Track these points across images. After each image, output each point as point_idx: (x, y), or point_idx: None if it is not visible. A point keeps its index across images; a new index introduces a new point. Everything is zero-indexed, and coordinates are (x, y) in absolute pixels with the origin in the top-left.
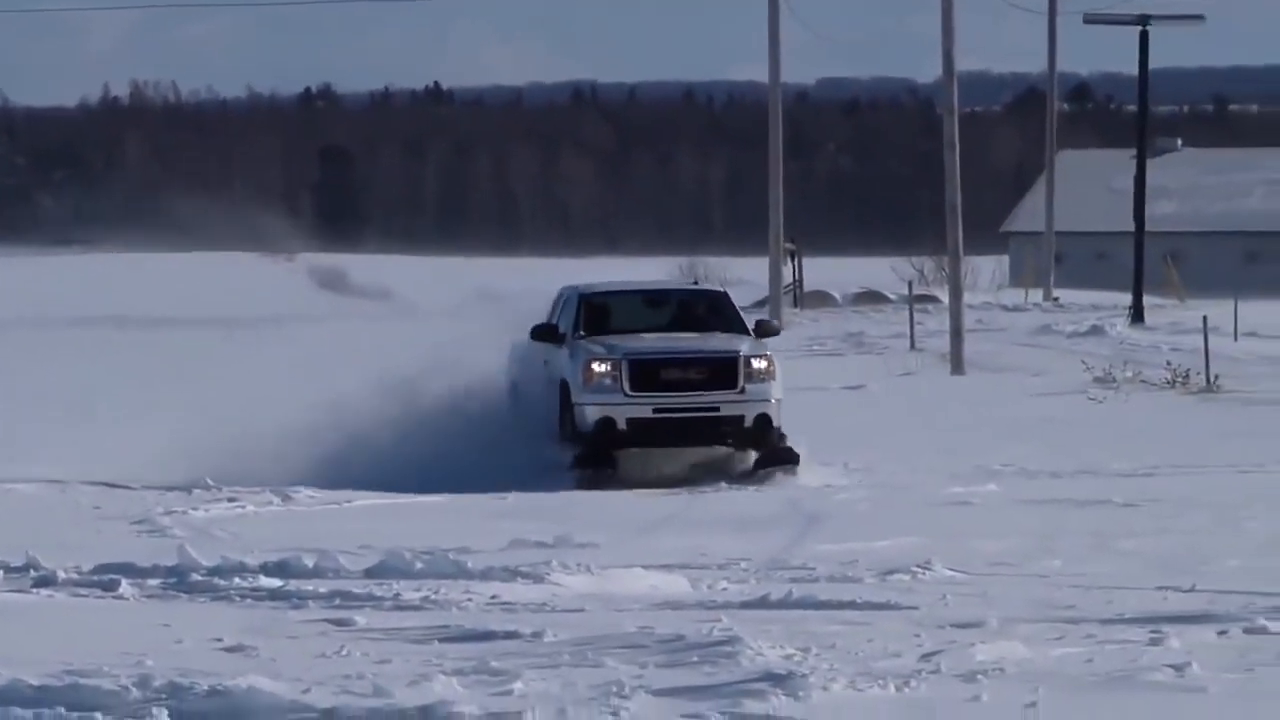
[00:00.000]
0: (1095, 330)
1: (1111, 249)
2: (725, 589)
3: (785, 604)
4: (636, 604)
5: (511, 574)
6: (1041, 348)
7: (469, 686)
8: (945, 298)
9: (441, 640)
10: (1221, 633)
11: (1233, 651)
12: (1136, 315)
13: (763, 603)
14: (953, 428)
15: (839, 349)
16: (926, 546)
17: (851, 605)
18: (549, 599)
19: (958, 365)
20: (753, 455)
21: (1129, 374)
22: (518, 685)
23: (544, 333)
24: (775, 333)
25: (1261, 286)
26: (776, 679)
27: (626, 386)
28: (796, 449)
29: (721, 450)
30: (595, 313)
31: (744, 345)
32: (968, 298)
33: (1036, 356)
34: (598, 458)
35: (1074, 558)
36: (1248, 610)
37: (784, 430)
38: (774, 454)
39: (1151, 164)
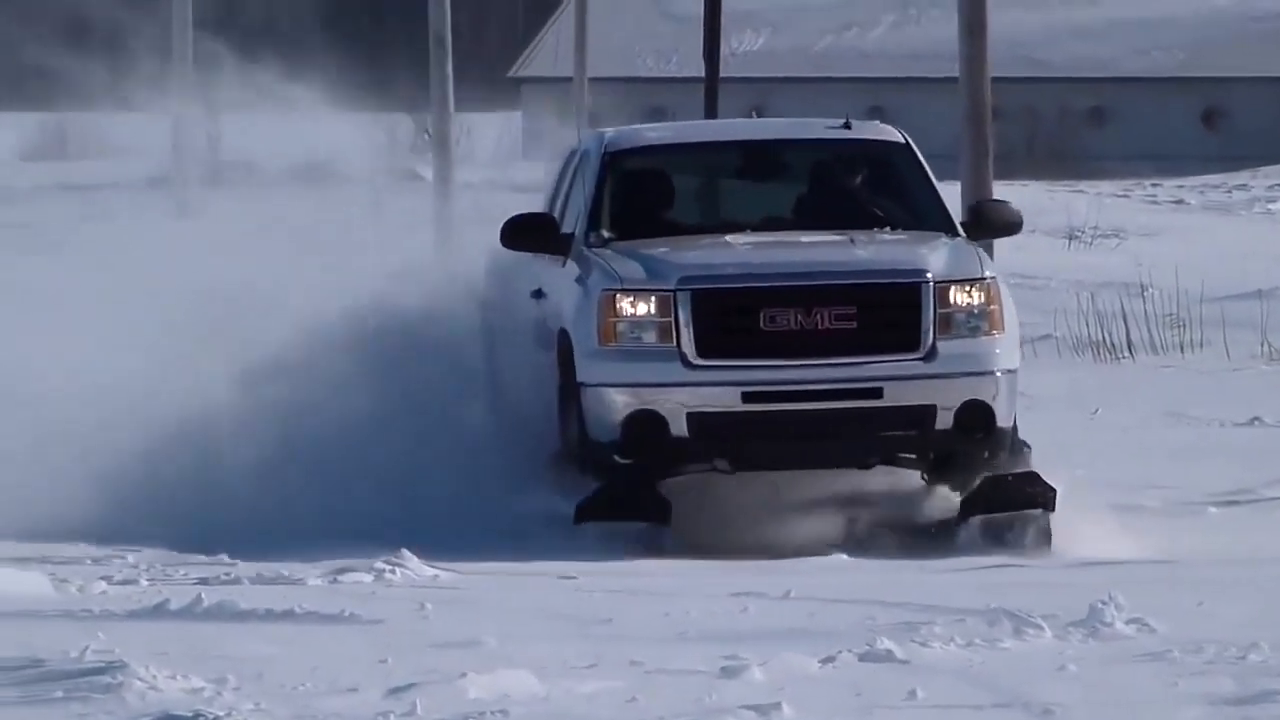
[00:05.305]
0: None
1: (672, 101)
2: (104, 592)
3: (191, 614)
4: None
5: None
6: None
7: None
8: (429, 173)
9: None
10: (826, 660)
11: (842, 687)
12: None
13: (159, 612)
14: None
15: (266, 244)
16: (399, 530)
17: (289, 617)
18: None
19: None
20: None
21: None
22: None
23: (529, 233)
24: (1013, 226)
25: None
26: None
27: (689, 346)
28: (1048, 478)
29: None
30: (633, 188)
31: (937, 256)
32: (464, 173)
33: None
34: (622, 502)
35: None
36: (865, 627)
37: (1022, 437)
38: (1002, 490)
39: None
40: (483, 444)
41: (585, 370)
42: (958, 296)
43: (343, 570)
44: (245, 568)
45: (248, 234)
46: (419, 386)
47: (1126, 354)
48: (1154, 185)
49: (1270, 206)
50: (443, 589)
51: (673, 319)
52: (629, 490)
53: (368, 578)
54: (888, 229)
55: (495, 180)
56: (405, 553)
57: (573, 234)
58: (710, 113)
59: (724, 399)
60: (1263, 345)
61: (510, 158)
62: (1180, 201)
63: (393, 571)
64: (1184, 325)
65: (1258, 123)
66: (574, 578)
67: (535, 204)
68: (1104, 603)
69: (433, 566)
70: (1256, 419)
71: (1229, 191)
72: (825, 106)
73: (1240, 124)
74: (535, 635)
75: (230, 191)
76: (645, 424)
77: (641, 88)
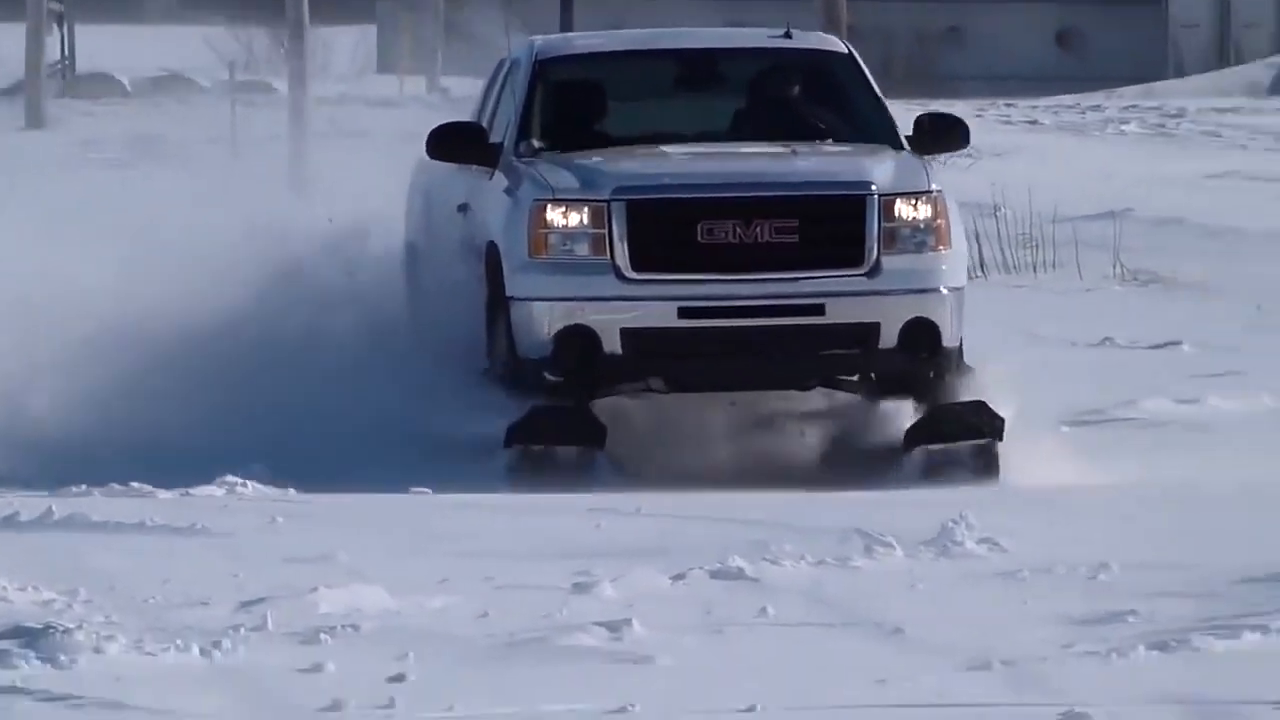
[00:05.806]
0: None
1: (528, 15)
2: None
3: (43, 525)
4: None
5: None
6: None
7: None
8: (285, 86)
9: None
10: (677, 577)
11: (692, 604)
12: None
13: (9, 524)
14: None
15: (124, 158)
16: (246, 443)
17: (140, 529)
18: None
19: (298, 185)
20: (897, 411)
21: None
22: None
23: (457, 142)
24: (959, 139)
25: None
26: (29, 636)
27: (623, 259)
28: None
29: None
30: (565, 98)
31: (882, 168)
32: (318, 87)
33: None
34: (556, 426)
35: None
36: (716, 544)
37: (967, 359)
38: (949, 419)
39: None
40: (405, 365)
41: (514, 284)
42: (903, 210)
43: (193, 482)
44: (97, 481)
45: (101, 145)
46: (326, 303)
47: (979, 274)
48: (1008, 105)
49: (1124, 128)
50: (294, 503)
51: (606, 231)
52: (562, 413)
53: (219, 492)
54: (830, 141)
55: (349, 95)
56: (257, 468)
57: (502, 144)
58: (565, 27)
59: (659, 315)
60: (1115, 266)
61: (364, 72)
62: (1034, 122)
63: (244, 485)
64: (1037, 245)
65: (1112, 44)
66: (426, 493)
67: (390, 118)
68: (954, 522)
69: (283, 483)
70: (1108, 339)
71: (1083, 112)
72: (682, 20)
73: (1095, 45)
74: (387, 550)
75: (83, 102)
76: (577, 340)
77: (498, 1)
